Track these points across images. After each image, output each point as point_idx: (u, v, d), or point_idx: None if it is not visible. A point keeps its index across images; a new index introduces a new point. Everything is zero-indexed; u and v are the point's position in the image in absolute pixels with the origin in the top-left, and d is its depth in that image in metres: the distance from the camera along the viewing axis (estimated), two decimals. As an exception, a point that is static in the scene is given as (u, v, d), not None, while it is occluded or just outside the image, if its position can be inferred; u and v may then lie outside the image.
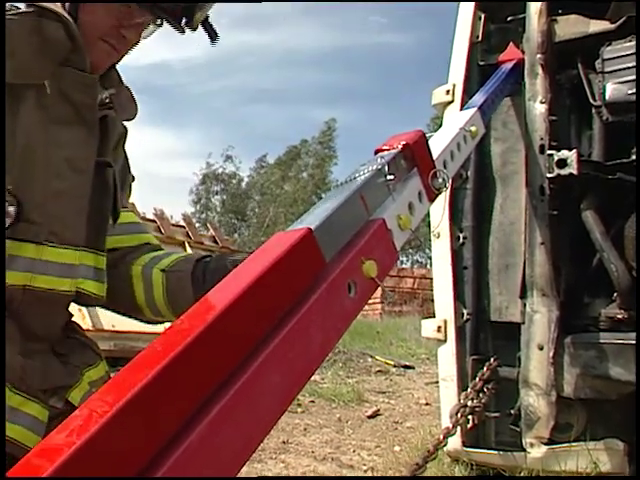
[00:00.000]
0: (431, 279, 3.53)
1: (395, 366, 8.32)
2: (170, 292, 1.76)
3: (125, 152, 1.90)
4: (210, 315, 1.09)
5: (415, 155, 1.77)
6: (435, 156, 1.87)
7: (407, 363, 8.59)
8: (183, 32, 1.69)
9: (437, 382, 3.58)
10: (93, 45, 1.63)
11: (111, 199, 1.72)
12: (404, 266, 27.38)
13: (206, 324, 1.06)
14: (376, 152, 1.81)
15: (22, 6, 1.56)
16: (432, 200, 1.82)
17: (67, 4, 1.60)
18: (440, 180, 1.80)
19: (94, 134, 1.64)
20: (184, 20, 1.68)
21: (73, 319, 1.75)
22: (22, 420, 1.45)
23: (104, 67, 1.70)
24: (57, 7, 1.56)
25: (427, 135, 1.87)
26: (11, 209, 1.43)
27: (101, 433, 0.91)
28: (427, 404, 6.01)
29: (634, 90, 2.79)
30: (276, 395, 1.18)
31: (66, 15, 1.56)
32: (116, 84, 1.76)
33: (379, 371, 7.95)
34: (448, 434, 2.75)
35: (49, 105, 1.55)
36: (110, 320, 6.49)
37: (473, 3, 3.47)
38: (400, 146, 1.75)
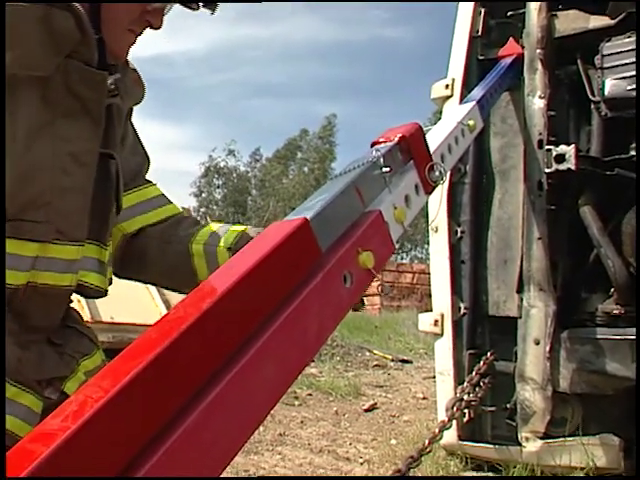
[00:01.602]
0: (430, 274, 3.53)
1: (393, 360, 8.33)
2: None
3: (133, 127, 1.88)
4: (205, 303, 1.09)
5: (411, 148, 1.77)
6: (433, 149, 1.88)
7: (405, 357, 8.60)
8: (197, 8, 1.68)
9: (434, 377, 3.59)
10: (120, 36, 1.60)
11: (114, 191, 1.71)
12: (403, 261, 27.41)
13: (201, 312, 1.07)
14: (372, 145, 1.81)
15: None
16: (429, 193, 1.82)
17: None
18: (437, 173, 1.80)
19: (99, 126, 1.61)
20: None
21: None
22: (17, 411, 1.45)
23: (126, 56, 1.68)
24: None
25: (425, 128, 1.87)
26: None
27: (96, 418, 0.92)
28: (424, 398, 6.03)
29: (633, 86, 2.79)
30: (271, 384, 1.18)
31: (78, 5, 1.51)
32: (121, 67, 1.70)
33: (377, 365, 7.96)
34: (444, 427, 2.76)
35: (54, 99, 1.51)
36: (109, 312, 6.50)
37: (473, -1, 3.47)
38: (396, 139, 1.76)
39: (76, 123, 1.55)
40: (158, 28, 1.66)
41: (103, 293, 1.71)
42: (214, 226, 1.92)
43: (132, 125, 1.87)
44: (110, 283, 1.75)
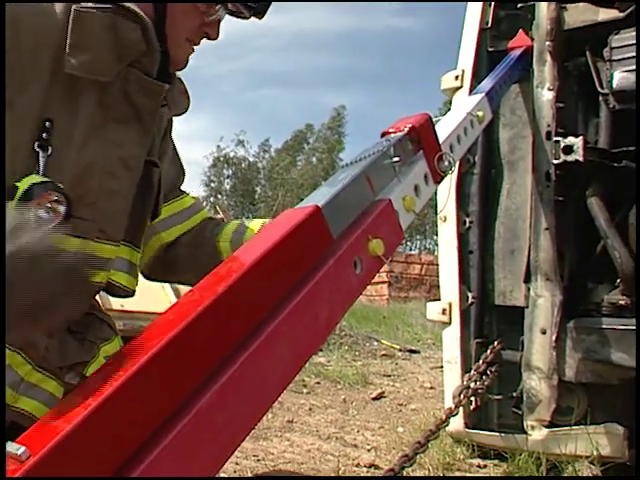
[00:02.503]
0: (438, 265, 3.56)
1: (401, 350, 8.35)
2: None
3: (172, 141, 1.93)
4: (220, 287, 1.12)
5: (421, 138, 1.80)
6: (442, 140, 1.91)
7: (413, 347, 8.62)
8: (248, 18, 1.74)
9: (442, 366, 3.61)
10: (179, 46, 1.64)
11: (154, 198, 1.75)
12: (412, 252, 27.38)
13: (216, 295, 1.10)
14: (383, 135, 1.84)
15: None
16: (438, 182, 1.86)
17: (153, 6, 1.58)
18: (446, 163, 1.83)
19: (149, 134, 1.65)
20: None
21: None
22: (40, 396, 1.50)
23: (185, 66, 1.71)
24: (138, 8, 1.53)
25: (435, 119, 1.90)
26: (61, 208, 1.43)
27: (115, 396, 0.96)
28: (431, 388, 6.06)
29: (641, 78, 2.81)
30: (282, 367, 1.22)
31: (146, 17, 1.54)
32: (172, 77, 1.74)
33: (384, 355, 7.99)
34: (451, 414, 2.80)
35: (110, 103, 1.54)
36: (119, 300, 6.51)
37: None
38: (406, 129, 1.79)
39: (127, 129, 1.59)
40: (215, 39, 1.70)
41: (130, 293, 1.75)
42: (234, 223, 2.01)
43: (171, 137, 1.91)
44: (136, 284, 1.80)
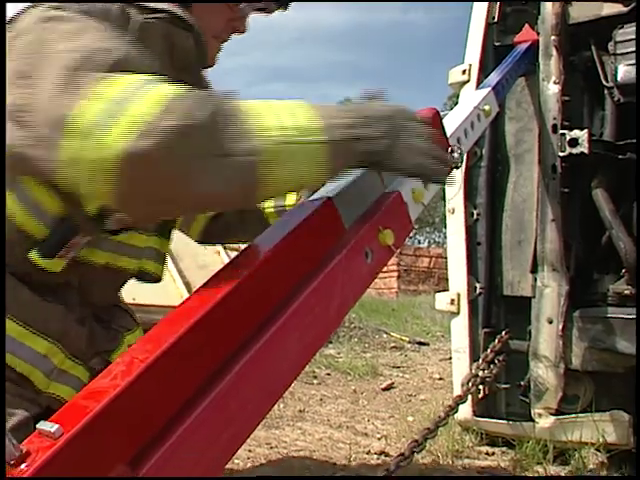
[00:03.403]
0: (447, 258, 3.61)
1: (410, 342, 8.37)
2: None
3: None
4: (237, 277, 1.18)
5: (430, 132, 1.85)
6: (449, 133, 1.96)
7: (422, 340, 8.63)
8: (272, 12, 1.81)
9: (450, 358, 3.66)
10: (210, 44, 1.68)
11: None
12: (420, 245, 27.37)
13: (233, 285, 1.16)
14: (392, 129, 1.89)
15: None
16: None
17: (179, 5, 1.60)
18: (456, 155, 1.88)
19: None
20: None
21: None
22: (71, 382, 1.56)
23: (214, 63, 1.76)
24: (184, 13, 1.58)
25: (442, 113, 1.95)
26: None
27: (142, 378, 1.02)
28: (440, 379, 6.09)
29: (645, 72, 2.86)
30: (295, 355, 1.28)
31: (196, 26, 1.58)
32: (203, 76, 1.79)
33: (394, 347, 8.01)
34: (459, 401, 2.85)
35: None
36: (131, 293, 6.57)
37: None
38: (415, 123, 1.84)
39: None
40: (244, 32, 1.75)
41: (159, 279, 1.81)
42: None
43: None
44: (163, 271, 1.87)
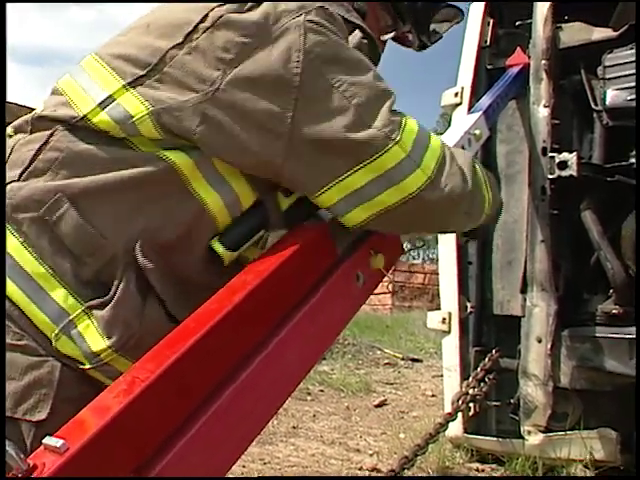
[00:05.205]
0: (440, 276, 3.64)
1: (403, 359, 8.39)
2: None
3: None
4: (234, 300, 1.24)
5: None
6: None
7: (415, 356, 8.65)
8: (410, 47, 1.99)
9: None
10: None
11: None
12: (415, 262, 27.38)
13: (230, 308, 1.22)
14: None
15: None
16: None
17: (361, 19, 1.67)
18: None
19: None
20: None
21: None
22: None
23: None
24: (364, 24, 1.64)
25: (435, 134, 2.00)
26: None
27: (142, 396, 1.07)
28: (433, 396, 6.12)
29: (633, 96, 2.90)
30: (290, 371, 1.33)
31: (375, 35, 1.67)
32: None
33: (387, 363, 8.04)
34: (450, 419, 2.89)
35: None
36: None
37: (482, 7, 3.57)
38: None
39: None
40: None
41: None
42: None
43: None
44: None
